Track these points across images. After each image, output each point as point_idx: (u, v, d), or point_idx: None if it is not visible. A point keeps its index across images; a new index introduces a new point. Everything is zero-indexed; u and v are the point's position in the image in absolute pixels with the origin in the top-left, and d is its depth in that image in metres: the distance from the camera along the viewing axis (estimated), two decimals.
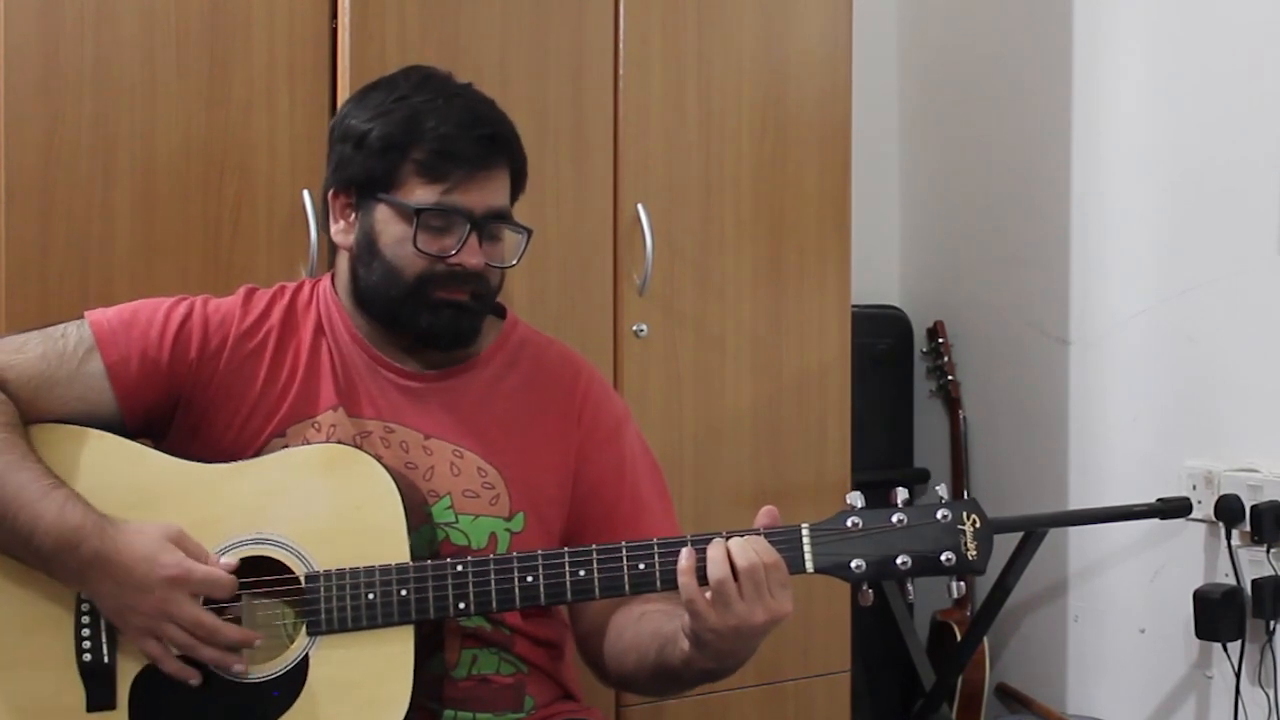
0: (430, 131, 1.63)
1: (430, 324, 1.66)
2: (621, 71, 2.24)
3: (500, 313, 1.79)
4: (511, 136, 1.69)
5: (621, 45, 2.23)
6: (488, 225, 1.66)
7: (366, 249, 1.67)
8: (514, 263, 1.72)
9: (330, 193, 1.71)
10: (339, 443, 1.63)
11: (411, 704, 1.53)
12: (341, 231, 1.70)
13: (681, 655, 1.55)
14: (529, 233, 1.72)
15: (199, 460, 1.60)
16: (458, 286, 1.65)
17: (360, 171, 1.66)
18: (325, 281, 1.75)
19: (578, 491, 1.73)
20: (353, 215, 1.68)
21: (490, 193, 1.66)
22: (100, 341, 1.63)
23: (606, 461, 1.74)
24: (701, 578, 1.49)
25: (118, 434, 1.62)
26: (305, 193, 2.01)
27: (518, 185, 1.71)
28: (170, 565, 1.49)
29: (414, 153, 1.63)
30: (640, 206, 2.23)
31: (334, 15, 2.05)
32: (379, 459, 1.60)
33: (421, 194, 1.63)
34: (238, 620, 1.55)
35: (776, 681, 2.35)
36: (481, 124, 1.65)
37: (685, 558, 1.50)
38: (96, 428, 1.60)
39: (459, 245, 1.63)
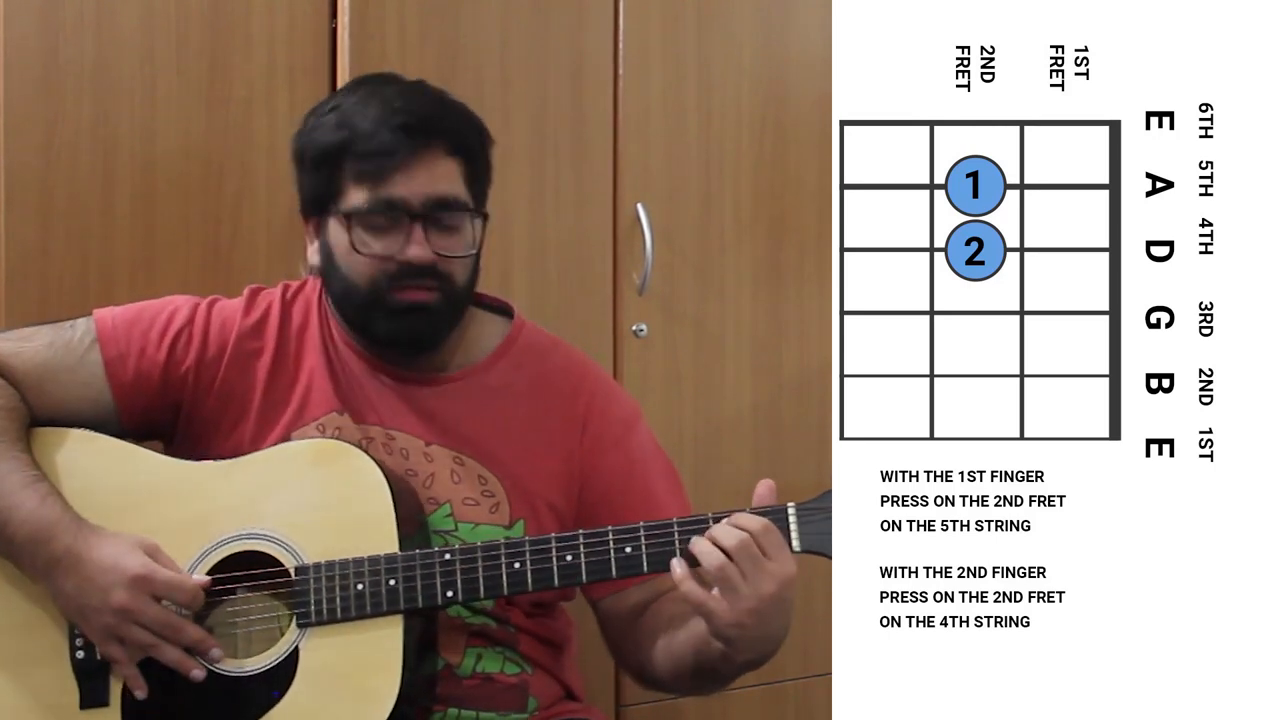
0: (353, 133, 1.59)
1: (389, 330, 1.62)
2: (621, 71, 2.24)
3: (507, 313, 1.76)
4: (442, 119, 1.62)
5: (621, 45, 2.23)
6: (433, 215, 1.60)
7: (328, 266, 1.64)
8: (473, 251, 1.64)
9: (303, 221, 1.70)
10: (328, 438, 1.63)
11: (412, 703, 1.53)
12: (314, 254, 1.67)
13: (720, 653, 1.52)
14: (485, 216, 1.65)
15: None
16: (415, 285, 1.60)
17: (309, 191, 1.65)
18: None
19: (586, 499, 1.70)
20: (316, 238, 1.67)
21: (427, 180, 1.59)
22: (101, 337, 1.63)
23: (613, 469, 1.71)
24: (700, 578, 1.48)
25: (117, 431, 1.62)
26: None
27: (476, 168, 1.65)
28: (135, 566, 1.49)
29: (345, 159, 1.60)
30: (640, 206, 2.23)
31: (334, 15, 2.05)
32: (366, 450, 1.59)
33: (356, 197, 1.60)
34: (230, 617, 1.55)
35: (776, 681, 2.34)
36: (399, 113, 1.58)
37: (678, 567, 1.48)
38: (98, 422, 1.61)
39: (404, 240, 1.59)
